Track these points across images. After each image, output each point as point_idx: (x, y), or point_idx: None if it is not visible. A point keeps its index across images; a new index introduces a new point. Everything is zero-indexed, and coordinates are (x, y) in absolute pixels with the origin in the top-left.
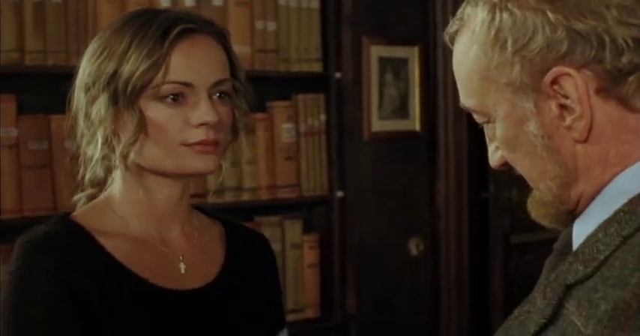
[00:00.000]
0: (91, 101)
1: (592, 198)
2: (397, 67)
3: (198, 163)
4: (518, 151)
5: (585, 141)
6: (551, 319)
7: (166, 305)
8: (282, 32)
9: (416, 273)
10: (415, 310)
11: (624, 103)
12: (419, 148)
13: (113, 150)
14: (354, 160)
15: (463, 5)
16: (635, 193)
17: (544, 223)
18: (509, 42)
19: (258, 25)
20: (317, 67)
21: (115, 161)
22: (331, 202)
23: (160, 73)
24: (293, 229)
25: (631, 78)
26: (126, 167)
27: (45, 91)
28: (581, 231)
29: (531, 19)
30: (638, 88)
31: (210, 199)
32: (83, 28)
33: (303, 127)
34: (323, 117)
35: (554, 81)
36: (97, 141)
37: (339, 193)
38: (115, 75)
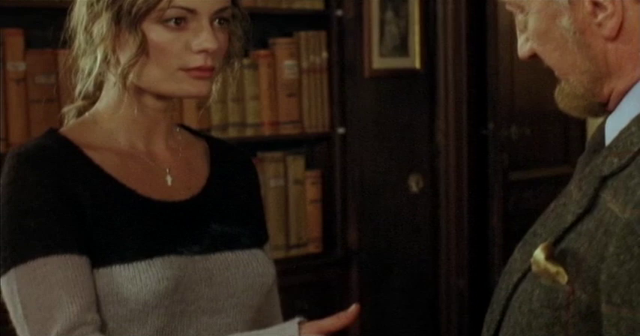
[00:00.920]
0: (93, 18)
1: (623, 94)
2: (397, 4)
3: (194, 88)
4: (549, 44)
5: (615, 39)
6: (588, 209)
7: (154, 215)
8: None
9: (416, 209)
10: (415, 246)
11: None
12: (419, 86)
13: (109, 67)
14: (355, 97)
15: None
16: None
17: (574, 114)
18: None
19: None
20: (319, 5)
21: (107, 77)
22: (333, 139)
23: None
24: (295, 165)
25: None
26: (124, 87)
27: (53, 25)
28: (614, 127)
29: None
30: None
31: (214, 135)
32: None
33: (305, 64)
34: (324, 54)
35: None
36: (96, 58)
37: (341, 130)
38: None
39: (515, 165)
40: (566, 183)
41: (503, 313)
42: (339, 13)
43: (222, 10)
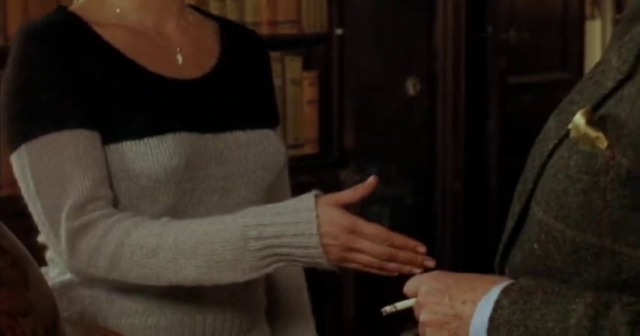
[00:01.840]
0: None
1: None
2: None
3: None
4: None
5: None
6: (629, 75)
7: (165, 93)
8: None
9: (413, 112)
10: (412, 148)
11: None
12: None
13: None
14: None
15: None
16: None
17: None
18: None
19: None
20: None
21: None
22: (331, 40)
23: None
24: (293, 65)
25: None
26: None
27: None
28: None
29: None
30: None
31: None
32: None
33: None
34: None
35: None
36: None
37: (339, 31)
38: None
39: (513, 69)
40: (563, 88)
41: (536, 182)
42: None
43: None
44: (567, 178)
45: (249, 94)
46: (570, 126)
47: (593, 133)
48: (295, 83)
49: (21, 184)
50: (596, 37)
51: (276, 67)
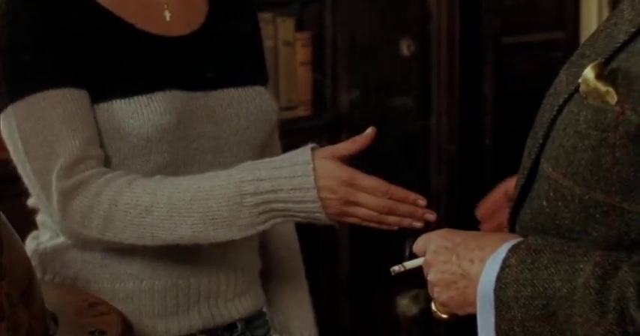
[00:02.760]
0: None
1: None
2: None
3: None
4: None
5: None
6: None
7: (154, 50)
8: None
9: (407, 74)
10: (406, 110)
11: None
12: None
13: None
14: None
15: None
16: None
17: None
18: None
19: None
20: None
21: None
22: (323, 0)
23: None
24: (285, 26)
25: None
26: None
27: None
28: None
29: None
30: None
31: None
32: None
33: None
34: None
35: None
36: None
37: None
38: None
39: (508, 30)
40: (559, 48)
41: (546, 137)
42: None
43: None
44: (576, 134)
45: (239, 51)
46: (580, 80)
47: (602, 87)
48: (287, 44)
49: (9, 146)
50: None
51: (268, 29)
